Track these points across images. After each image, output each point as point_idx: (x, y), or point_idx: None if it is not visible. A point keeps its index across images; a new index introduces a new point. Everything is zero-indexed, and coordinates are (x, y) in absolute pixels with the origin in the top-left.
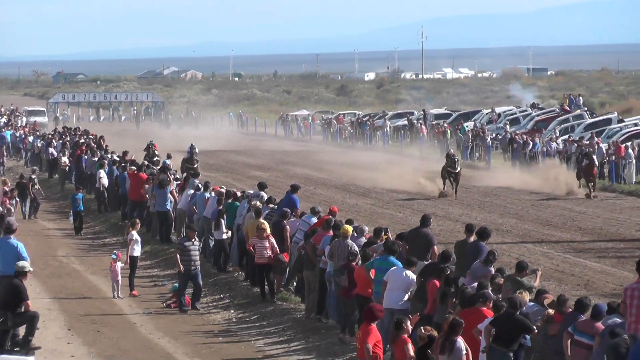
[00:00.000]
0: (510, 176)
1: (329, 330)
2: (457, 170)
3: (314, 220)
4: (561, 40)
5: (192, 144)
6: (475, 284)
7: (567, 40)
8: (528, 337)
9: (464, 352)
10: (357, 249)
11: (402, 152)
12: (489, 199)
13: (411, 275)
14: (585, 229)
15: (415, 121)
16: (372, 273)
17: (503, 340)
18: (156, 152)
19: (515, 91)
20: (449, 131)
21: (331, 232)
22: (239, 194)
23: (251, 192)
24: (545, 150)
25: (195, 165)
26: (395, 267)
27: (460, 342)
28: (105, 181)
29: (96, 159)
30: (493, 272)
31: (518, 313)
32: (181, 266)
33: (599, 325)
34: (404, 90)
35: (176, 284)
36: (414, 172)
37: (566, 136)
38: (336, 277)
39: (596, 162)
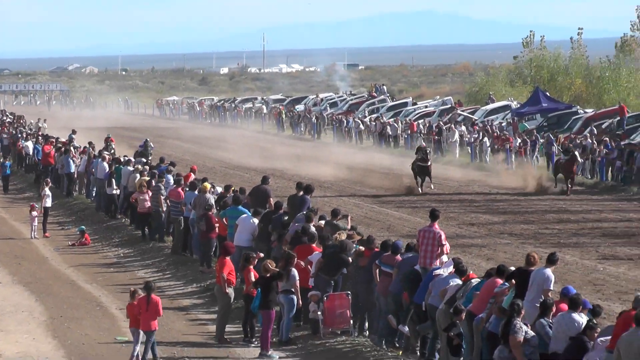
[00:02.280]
0: (328, 147)
1: (193, 263)
2: (428, 164)
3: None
4: (370, 42)
5: (146, 139)
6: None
7: (375, 42)
8: (345, 270)
9: (297, 278)
10: (213, 202)
11: (249, 128)
12: (314, 163)
13: (256, 221)
14: (389, 187)
15: (259, 104)
16: (225, 220)
17: (328, 270)
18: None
19: (334, 81)
20: (283, 112)
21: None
22: (122, 159)
23: (133, 159)
24: (363, 125)
25: (150, 159)
26: (244, 215)
27: (294, 271)
28: (29, 150)
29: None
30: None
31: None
32: None
33: (398, 257)
34: (250, 81)
35: (82, 227)
36: (256, 141)
37: (374, 115)
38: (197, 223)
39: (579, 159)
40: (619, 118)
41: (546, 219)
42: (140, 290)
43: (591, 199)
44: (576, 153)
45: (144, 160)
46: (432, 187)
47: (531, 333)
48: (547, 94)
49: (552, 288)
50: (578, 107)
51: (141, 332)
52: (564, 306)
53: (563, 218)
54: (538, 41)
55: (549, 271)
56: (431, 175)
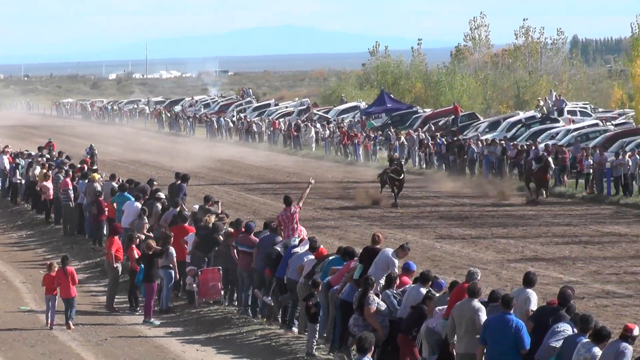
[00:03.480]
0: (202, 142)
1: (86, 243)
2: (401, 177)
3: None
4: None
5: (91, 145)
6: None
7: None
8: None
9: (174, 255)
10: (100, 189)
11: (134, 126)
12: (190, 156)
13: (139, 205)
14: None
15: (142, 106)
16: (114, 205)
17: (203, 249)
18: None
19: (207, 86)
20: (163, 112)
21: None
22: (26, 153)
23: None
24: (232, 123)
25: (95, 167)
26: (129, 201)
27: (172, 249)
28: None
29: None
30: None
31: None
32: None
33: (254, 238)
34: (135, 86)
35: None
36: (139, 138)
37: (241, 115)
38: (89, 208)
39: (552, 165)
40: (453, 116)
41: (390, 203)
42: (55, 263)
43: (429, 186)
44: (550, 160)
45: (45, 153)
46: (396, 203)
47: (382, 304)
48: (391, 95)
49: (396, 268)
50: (418, 107)
51: (57, 299)
52: (406, 279)
53: (405, 203)
54: (383, 50)
55: (391, 251)
56: (402, 188)
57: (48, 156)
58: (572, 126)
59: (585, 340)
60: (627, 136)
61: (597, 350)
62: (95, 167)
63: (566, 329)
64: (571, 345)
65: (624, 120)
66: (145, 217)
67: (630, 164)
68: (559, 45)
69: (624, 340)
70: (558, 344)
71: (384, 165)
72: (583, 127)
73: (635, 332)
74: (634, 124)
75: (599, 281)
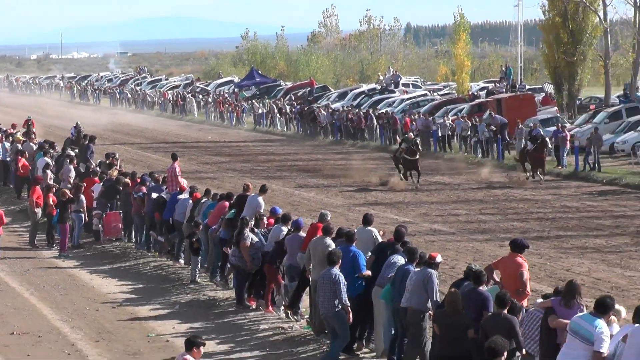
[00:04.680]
0: (106, 110)
1: (12, 192)
2: (416, 158)
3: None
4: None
5: (77, 123)
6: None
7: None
8: (118, 196)
9: (84, 202)
10: (21, 148)
11: (51, 97)
12: (97, 121)
13: (47, 159)
14: (150, 136)
15: (58, 81)
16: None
17: (107, 197)
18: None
19: (110, 64)
20: (75, 86)
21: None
22: None
23: None
24: (130, 94)
25: (112, 152)
26: (41, 158)
27: (82, 197)
28: None
29: None
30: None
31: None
32: None
33: (143, 188)
34: (52, 64)
35: None
36: (55, 107)
37: (138, 87)
38: (13, 164)
39: (549, 145)
40: (309, 89)
41: (258, 159)
42: None
43: (290, 145)
44: (546, 139)
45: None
46: (419, 185)
47: (256, 239)
48: (260, 72)
49: (262, 210)
50: (281, 81)
51: None
52: (272, 220)
53: (270, 158)
54: (252, 36)
55: (260, 198)
56: (419, 169)
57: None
58: (406, 96)
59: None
60: (450, 104)
61: (411, 268)
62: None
63: (399, 260)
64: (401, 272)
65: (448, 91)
66: (49, 171)
67: (447, 125)
68: (395, 31)
69: (428, 266)
70: (392, 273)
71: (252, 129)
72: (415, 97)
73: (438, 259)
74: (455, 94)
75: (427, 221)
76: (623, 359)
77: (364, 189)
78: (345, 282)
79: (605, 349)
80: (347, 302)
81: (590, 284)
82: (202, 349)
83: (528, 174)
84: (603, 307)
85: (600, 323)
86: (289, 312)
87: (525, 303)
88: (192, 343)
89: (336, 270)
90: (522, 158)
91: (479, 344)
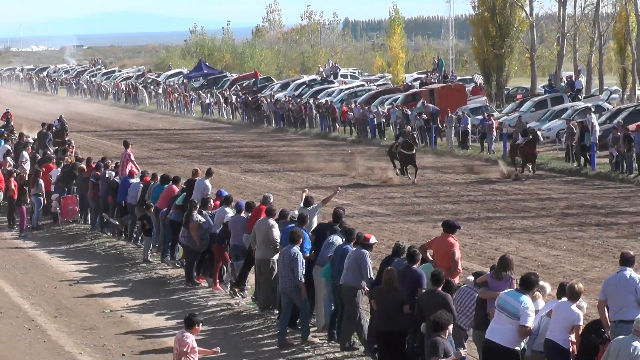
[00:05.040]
0: (63, 100)
1: None
2: (412, 152)
3: None
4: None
5: (61, 116)
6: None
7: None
8: (75, 181)
9: (43, 185)
10: None
11: (11, 87)
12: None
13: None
14: (105, 124)
15: (18, 72)
16: None
17: (64, 181)
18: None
19: (67, 57)
20: (34, 77)
21: None
22: None
23: None
24: (86, 85)
25: (67, 139)
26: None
27: (41, 181)
28: None
29: None
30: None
31: None
32: None
33: (98, 172)
34: (12, 57)
35: None
36: (16, 97)
37: (93, 78)
38: None
39: (540, 139)
40: (253, 79)
41: (206, 146)
42: None
43: (236, 133)
44: (538, 133)
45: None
46: (416, 180)
47: (204, 220)
48: (207, 64)
49: (209, 193)
50: (227, 72)
51: None
52: (217, 203)
53: (217, 145)
54: (200, 29)
55: (207, 181)
56: (416, 164)
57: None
58: (344, 86)
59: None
60: (385, 94)
61: (349, 247)
62: (68, 139)
63: (336, 240)
64: (339, 251)
65: (383, 82)
66: (9, 157)
67: (382, 113)
68: (334, 25)
69: (363, 247)
70: (331, 252)
71: (200, 117)
72: (352, 87)
73: (372, 241)
74: (391, 84)
75: (364, 204)
76: (548, 332)
77: (305, 172)
78: (304, 261)
79: (530, 323)
80: (302, 279)
81: (518, 262)
82: (200, 326)
83: (517, 169)
84: (528, 284)
85: (525, 299)
86: (236, 290)
87: (456, 280)
88: (191, 321)
89: (296, 248)
90: (512, 152)
91: (414, 319)
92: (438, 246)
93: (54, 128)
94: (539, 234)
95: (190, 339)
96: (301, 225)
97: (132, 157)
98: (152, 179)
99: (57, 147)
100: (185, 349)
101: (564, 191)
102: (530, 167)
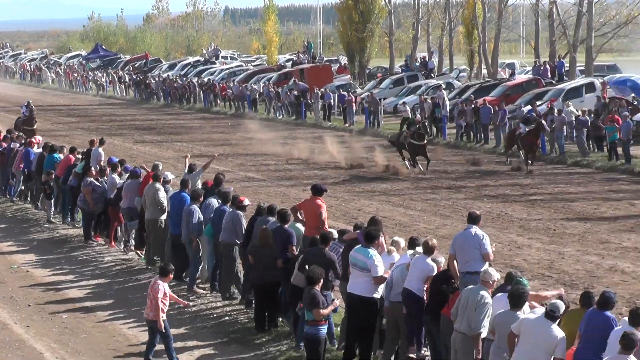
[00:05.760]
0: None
1: None
2: (423, 142)
3: None
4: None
5: (28, 102)
6: None
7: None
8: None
9: None
10: None
11: None
12: None
13: None
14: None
15: None
16: None
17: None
18: None
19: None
20: None
21: None
22: None
23: None
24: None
25: (35, 127)
26: None
27: None
28: None
29: None
30: None
31: None
32: None
33: (4, 144)
34: None
35: None
36: None
37: (1, 61)
38: None
39: (546, 128)
40: (144, 61)
41: (102, 120)
42: None
43: (128, 109)
44: (543, 122)
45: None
46: (427, 171)
47: (99, 184)
48: (103, 47)
49: (102, 160)
50: (121, 54)
51: None
52: (109, 170)
53: (112, 119)
54: (97, 16)
55: (100, 149)
56: (428, 155)
57: None
58: (225, 67)
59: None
60: (261, 73)
61: (226, 208)
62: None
63: (212, 202)
64: (218, 212)
65: (259, 63)
66: None
67: (261, 90)
68: (216, 13)
69: (237, 208)
70: (212, 214)
71: (97, 94)
72: (232, 67)
73: (245, 203)
74: (266, 64)
75: (242, 170)
76: (406, 283)
77: (190, 142)
78: (201, 217)
79: (380, 272)
80: (194, 233)
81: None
82: (172, 275)
83: (508, 160)
84: (370, 237)
85: (372, 252)
86: (138, 252)
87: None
88: (165, 270)
89: (194, 207)
90: (511, 141)
91: (287, 272)
92: (307, 207)
93: (21, 116)
94: (397, 196)
95: (163, 286)
96: (184, 189)
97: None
98: (44, 149)
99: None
100: (159, 295)
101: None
102: (530, 157)
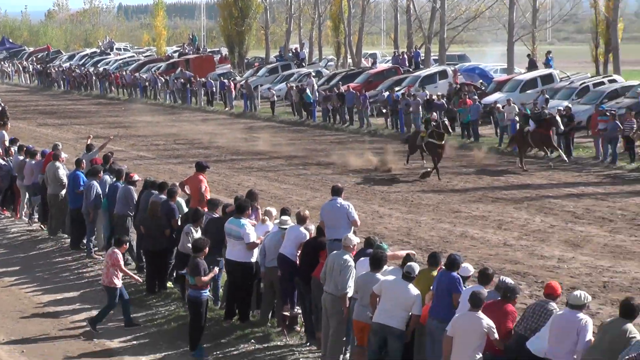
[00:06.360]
0: None
1: None
2: (442, 143)
3: None
4: None
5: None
6: None
7: None
8: None
9: None
10: None
11: None
12: None
13: None
14: None
15: None
16: None
17: None
18: None
19: None
20: None
21: None
22: None
23: None
24: None
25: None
26: None
27: None
28: None
29: None
30: None
31: None
32: None
33: None
34: None
35: None
36: None
37: None
38: None
39: (560, 126)
40: (46, 52)
41: (8, 105)
42: None
43: (32, 95)
44: (557, 118)
45: None
46: (439, 178)
47: (4, 163)
48: (10, 40)
49: (7, 141)
50: (25, 46)
51: None
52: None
53: (17, 104)
54: (4, 12)
55: (3, 132)
56: (441, 158)
57: None
58: (119, 57)
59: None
60: (151, 63)
61: (119, 185)
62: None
63: (107, 180)
64: (112, 188)
65: (150, 54)
66: None
67: (147, 78)
68: (111, 9)
69: (128, 184)
70: (106, 189)
71: (2, 82)
72: (125, 58)
73: (135, 178)
74: (155, 55)
75: (135, 149)
76: (281, 249)
77: (90, 124)
78: (99, 192)
79: (253, 238)
80: (90, 207)
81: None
82: (127, 245)
83: (523, 164)
84: (241, 209)
85: (243, 221)
86: (43, 227)
87: (206, 209)
88: (120, 241)
89: (93, 182)
90: (521, 141)
91: (174, 241)
92: (192, 183)
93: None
94: (272, 172)
95: (118, 254)
96: (78, 168)
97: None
98: None
99: None
100: (114, 262)
101: (292, 138)
102: (548, 150)
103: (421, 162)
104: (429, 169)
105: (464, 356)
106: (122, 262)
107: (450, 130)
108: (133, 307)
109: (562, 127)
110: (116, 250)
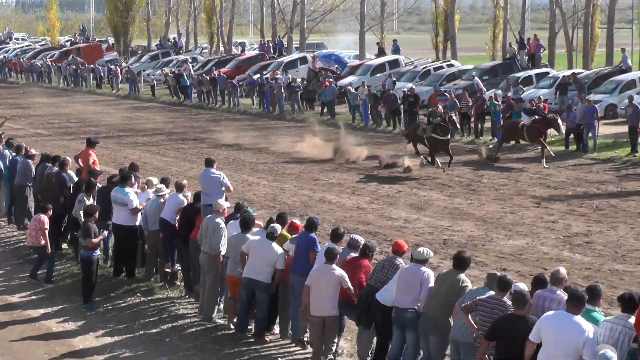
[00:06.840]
0: None
1: None
2: (448, 137)
3: None
4: None
5: None
6: None
7: None
8: None
9: None
10: None
11: None
12: None
13: None
14: None
15: None
16: None
17: None
18: None
19: None
20: None
21: None
22: None
23: None
24: None
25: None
26: None
27: None
28: None
29: None
30: None
31: None
32: None
33: None
34: None
35: None
36: None
37: None
38: None
39: (562, 130)
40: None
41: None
42: None
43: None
44: (559, 121)
45: None
46: (448, 168)
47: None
48: None
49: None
50: None
51: None
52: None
53: None
54: None
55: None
56: (450, 152)
57: None
58: (17, 46)
59: None
60: (47, 51)
61: (19, 158)
62: None
63: (7, 154)
64: (12, 162)
65: (45, 43)
66: None
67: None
68: (10, 3)
69: (27, 158)
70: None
71: None
72: (23, 46)
73: (32, 152)
74: (50, 44)
75: (33, 127)
76: (162, 213)
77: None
78: (1, 166)
79: (136, 204)
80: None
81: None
82: (51, 212)
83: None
84: (125, 178)
85: (127, 190)
86: None
87: (98, 185)
88: (45, 208)
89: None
90: (511, 133)
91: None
92: (83, 156)
93: None
94: (154, 146)
95: (45, 219)
96: (18, 154)
97: None
98: None
99: None
100: (41, 226)
101: (171, 117)
102: (540, 146)
103: (420, 157)
104: (424, 161)
105: (320, 303)
106: (47, 226)
107: (457, 126)
108: (30, 266)
109: (562, 131)
110: (43, 215)
